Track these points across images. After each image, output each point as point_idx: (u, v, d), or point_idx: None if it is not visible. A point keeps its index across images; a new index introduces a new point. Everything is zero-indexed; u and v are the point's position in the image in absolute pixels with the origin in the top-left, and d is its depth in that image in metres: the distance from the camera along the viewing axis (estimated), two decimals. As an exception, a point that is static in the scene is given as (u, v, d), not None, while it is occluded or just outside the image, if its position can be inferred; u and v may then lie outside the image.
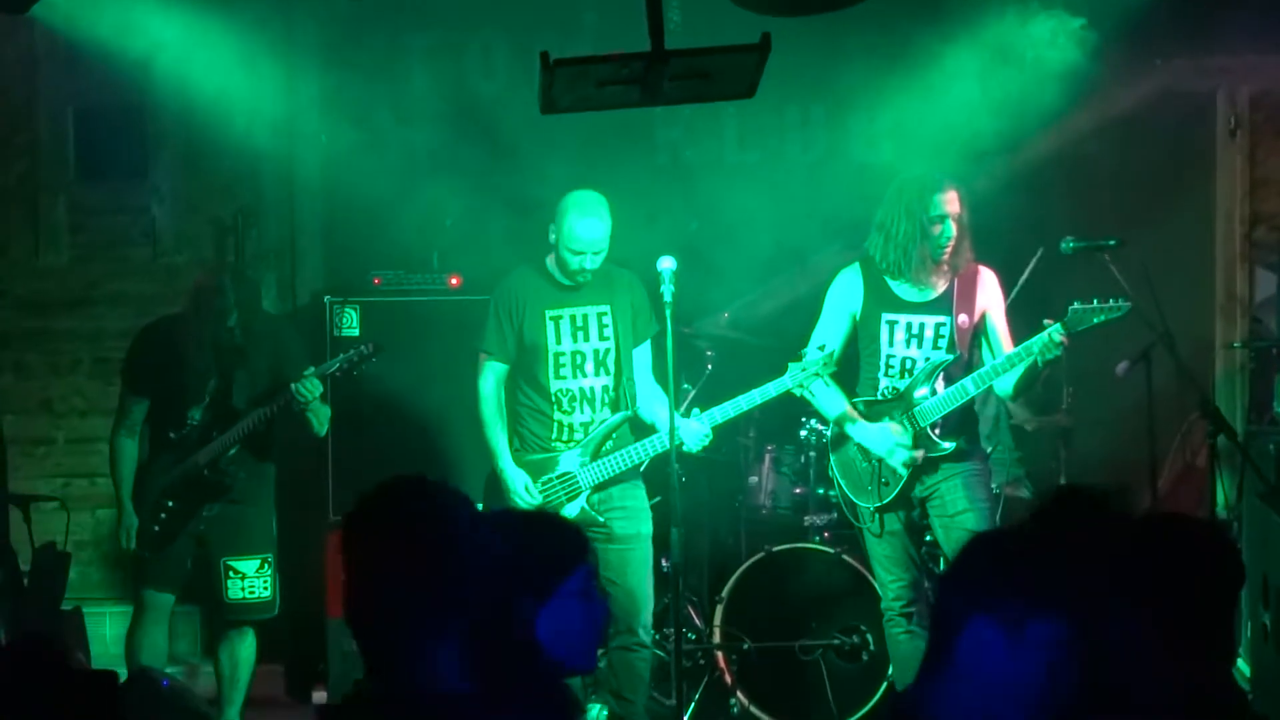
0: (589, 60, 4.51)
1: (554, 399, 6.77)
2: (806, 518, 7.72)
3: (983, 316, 6.63)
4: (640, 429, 6.82)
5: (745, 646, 7.40)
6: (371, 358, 6.91)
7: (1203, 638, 3.21)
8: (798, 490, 7.87)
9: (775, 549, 7.46)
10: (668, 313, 6.49)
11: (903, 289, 6.59)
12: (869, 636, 7.26)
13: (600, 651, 7.08)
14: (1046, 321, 6.35)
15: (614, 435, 6.76)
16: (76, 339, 8.70)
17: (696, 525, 7.89)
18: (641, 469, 6.81)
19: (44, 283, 8.69)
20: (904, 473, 6.49)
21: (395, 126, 8.32)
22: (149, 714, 6.07)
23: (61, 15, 7.75)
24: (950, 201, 6.46)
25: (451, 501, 3.17)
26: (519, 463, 6.77)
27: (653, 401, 6.83)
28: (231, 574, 6.94)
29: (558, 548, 3.47)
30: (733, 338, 7.96)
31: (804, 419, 7.73)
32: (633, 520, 6.75)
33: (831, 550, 7.43)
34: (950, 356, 6.54)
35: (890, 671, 6.94)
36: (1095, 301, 6.36)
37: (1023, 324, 6.61)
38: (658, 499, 6.97)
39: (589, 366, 6.78)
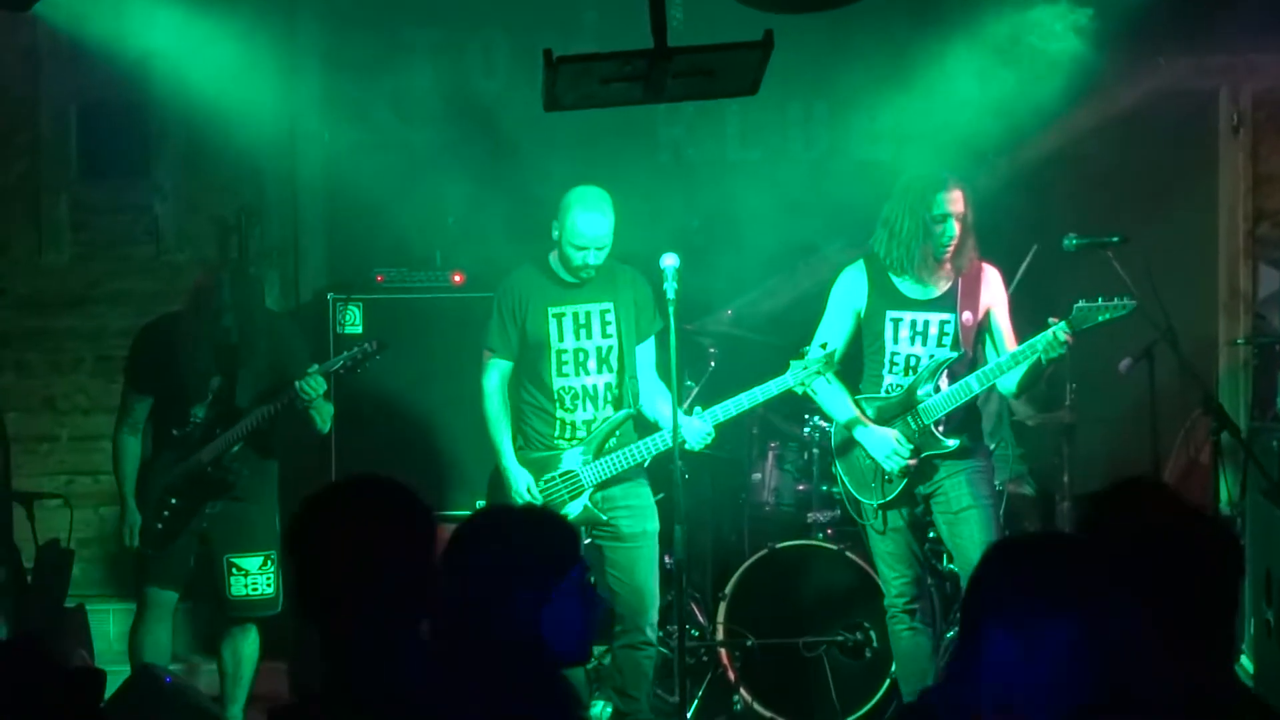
0: (592, 58, 4.52)
1: (557, 396, 6.77)
2: (810, 515, 7.72)
3: (987, 314, 6.64)
4: (644, 426, 6.82)
5: (748, 643, 7.40)
6: (375, 355, 6.91)
7: (1203, 636, 3.22)
8: (801, 487, 7.87)
9: (778, 546, 7.46)
10: (670, 310, 6.50)
11: (907, 286, 6.59)
12: (872, 633, 7.26)
13: (605, 649, 7.10)
14: (1051, 320, 6.35)
15: (617, 433, 6.76)
16: (79, 337, 8.70)
17: (700, 522, 7.90)
18: (645, 466, 6.81)
19: (46, 281, 8.69)
20: (900, 480, 6.50)
21: (398, 124, 8.32)
22: (152, 711, 6.07)
23: (64, 13, 7.75)
24: (954, 201, 6.46)
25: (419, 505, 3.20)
26: (522, 461, 6.77)
27: (656, 399, 6.83)
28: (234, 571, 6.95)
29: (554, 545, 3.47)
30: (735, 335, 7.96)
31: (807, 416, 7.73)
32: (638, 518, 6.75)
33: (835, 547, 7.43)
34: (954, 354, 6.54)
35: (893, 668, 6.94)
36: (1100, 300, 6.36)
37: (1025, 321, 6.61)
38: (661, 496, 6.97)
39: (592, 364, 6.78)
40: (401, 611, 3.07)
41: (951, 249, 6.49)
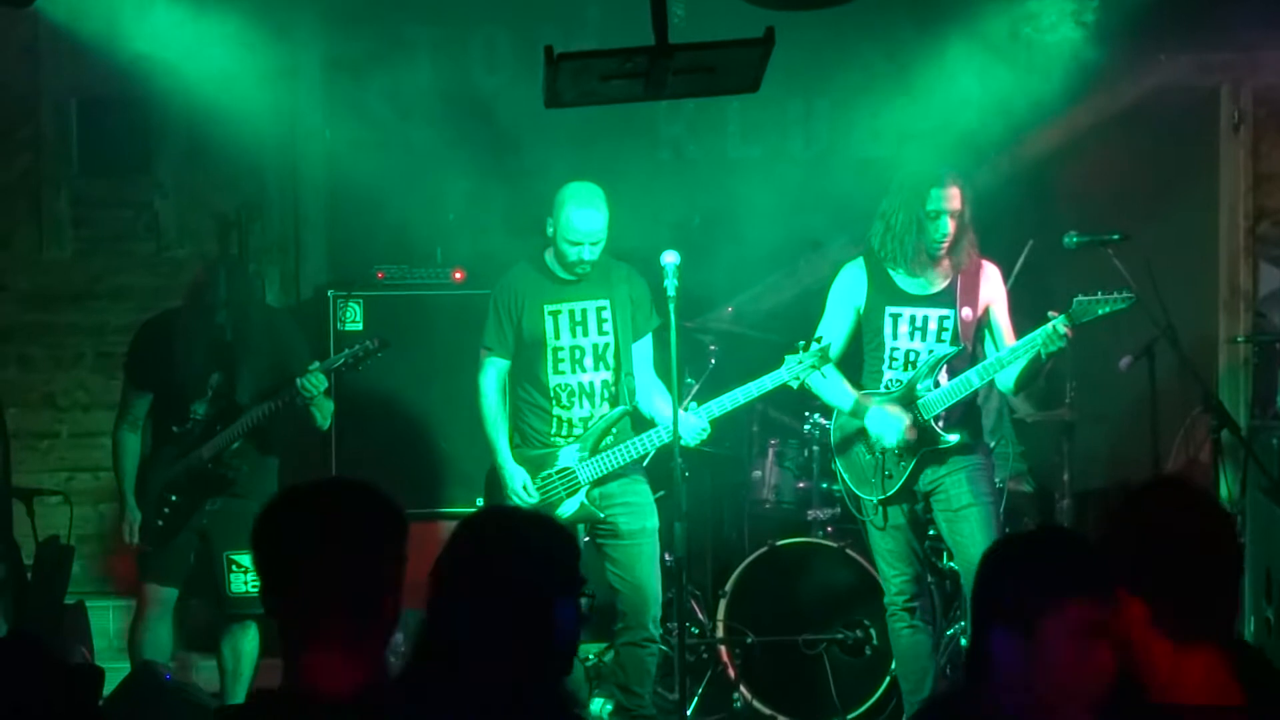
0: (593, 54, 4.52)
1: (553, 394, 6.76)
2: (810, 512, 7.72)
3: (986, 310, 6.64)
4: (641, 424, 6.82)
5: (749, 641, 7.40)
6: (377, 353, 6.91)
7: (1206, 629, 3.21)
8: (801, 485, 7.87)
9: (778, 543, 7.46)
10: (671, 307, 6.49)
11: (906, 281, 6.59)
12: (872, 631, 7.26)
13: (606, 646, 7.11)
14: (1051, 314, 6.35)
15: (614, 430, 6.76)
16: (79, 333, 8.70)
17: (700, 520, 7.90)
18: (644, 464, 6.81)
19: (47, 277, 8.68)
20: (900, 458, 6.49)
21: (399, 121, 8.30)
22: (152, 708, 6.08)
23: (65, 9, 7.74)
24: (950, 198, 6.45)
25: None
26: (519, 458, 6.77)
27: (652, 396, 6.83)
28: (234, 568, 6.94)
29: (569, 555, 3.45)
30: (736, 332, 7.96)
31: (808, 413, 7.73)
32: (637, 515, 6.75)
33: (835, 545, 7.43)
34: (954, 349, 6.54)
35: (893, 666, 6.94)
36: (1099, 294, 6.36)
37: (1025, 318, 6.61)
38: (661, 493, 6.97)
39: (588, 361, 6.78)
40: (365, 617, 3.05)
41: (945, 245, 6.49)
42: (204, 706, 6.30)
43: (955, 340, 6.56)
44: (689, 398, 7.16)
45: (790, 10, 5.41)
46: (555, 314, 6.77)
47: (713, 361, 7.80)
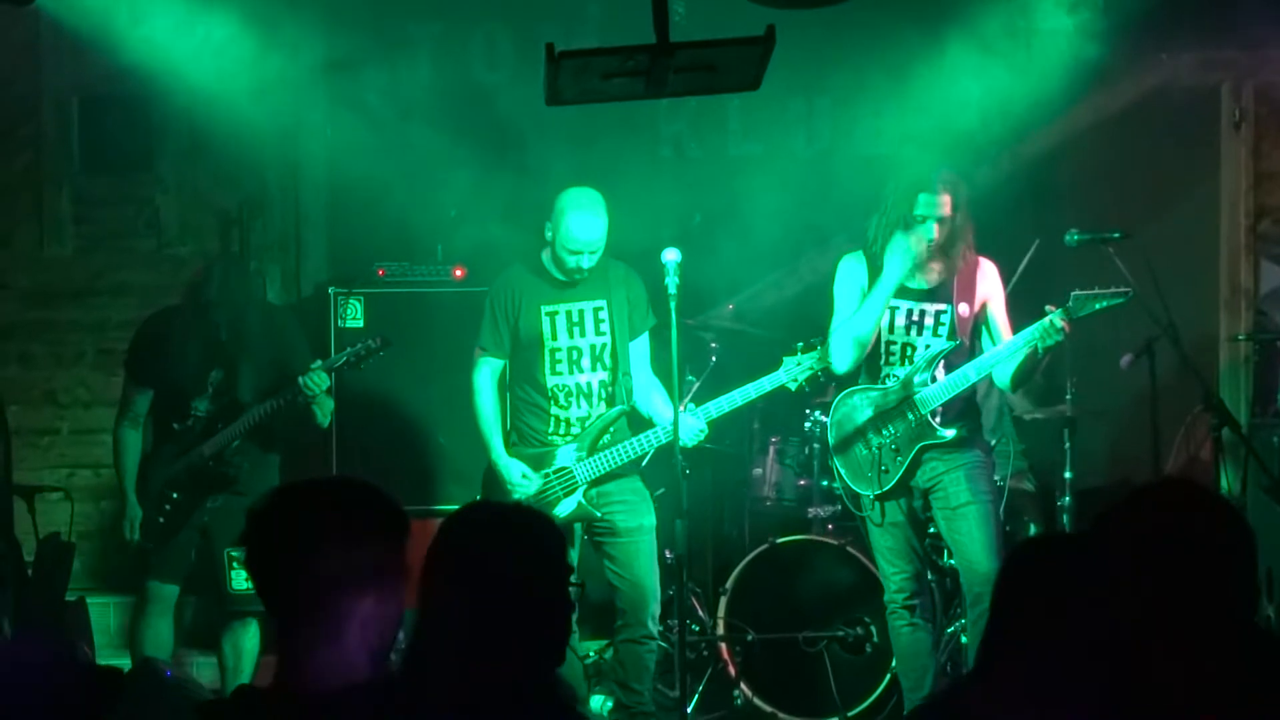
0: (594, 52, 4.51)
1: (550, 394, 6.76)
2: (810, 510, 7.72)
3: (983, 306, 6.64)
4: (639, 423, 6.82)
5: (749, 638, 7.40)
6: (379, 352, 6.91)
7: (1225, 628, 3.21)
8: (802, 482, 7.88)
9: (779, 541, 7.47)
10: (672, 305, 6.48)
11: (905, 276, 6.59)
12: (873, 628, 7.27)
13: (606, 643, 7.11)
14: (1048, 307, 6.35)
15: (611, 430, 6.76)
16: (81, 330, 8.70)
17: (700, 517, 7.90)
18: (643, 464, 6.81)
19: (48, 274, 8.69)
20: (897, 453, 6.48)
21: (400, 118, 8.30)
22: (153, 705, 6.08)
23: (66, 7, 7.74)
24: (938, 205, 6.45)
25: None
26: (516, 457, 6.76)
27: (650, 395, 6.83)
28: (235, 565, 6.95)
29: (555, 547, 3.45)
30: (737, 330, 7.97)
31: (808, 410, 7.73)
32: (634, 513, 6.75)
33: (835, 542, 7.44)
34: (951, 344, 6.54)
35: (894, 664, 6.94)
36: (1096, 288, 6.37)
37: (1026, 316, 6.61)
38: (661, 490, 6.97)
39: (586, 362, 6.78)
40: (359, 615, 3.05)
41: (929, 247, 6.49)
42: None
43: (952, 335, 6.56)
44: (689, 396, 7.17)
45: (791, 8, 5.40)
46: (552, 315, 6.77)
47: (714, 359, 7.81)
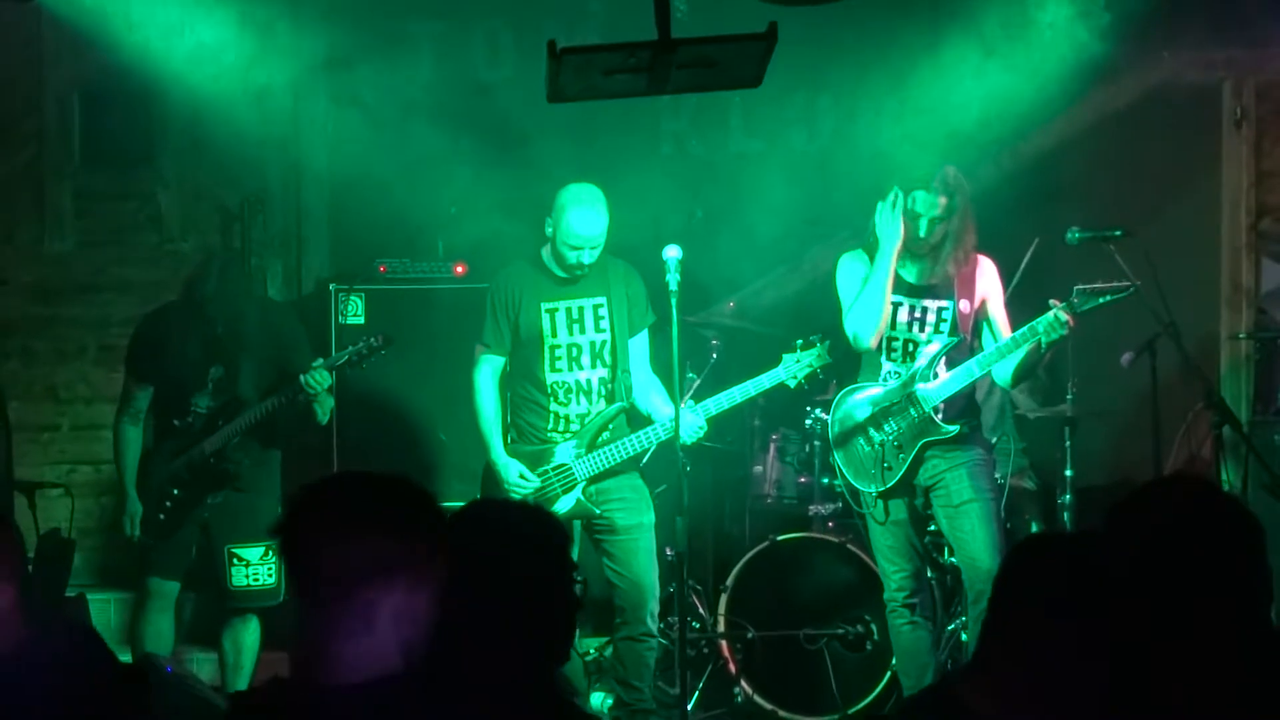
0: (596, 49, 4.52)
1: (550, 391, 6.76)
2: (811, 507, 7.73)
3: (983, 303, 6.64)
4: (638, 421, 6.82)
5: (749, 636, 7.40)
6: (380, 350, 6.90)
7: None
8: (802, 479, 7.88)
9: (779, 538, 7.46)
10: (673, 302, 6.48)
11: (905, 270, 6.59)
12: (873, 626, 7.26)
13: (605, 640, 7.10)
14: (1052, 302, 6.35)
15: (610, 427, 6.76)
16: (82, 326, 8.71)
17: (701, 514, 7.90)
18: (643, 461, 6.81)
19: (50, 269, 8.69)
20: (900, 450, 6.47)
21: (401, 114, 8.31)
22: (154, 700, 6.07)
23: (67, 2, 7.75)
24: (935, 205, 6.45)
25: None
26: (515, 454, 6.76)
27: (649, 392, 6.82)
28: (236, 561, 6.94)
29: (551, 543, 3.45)
30: (738, 326, 7.97)
31: (809, 408, 7.73)
32: (633, 510, 6.74)
33: (836, 540, 7.43)
34: (953, 339, 6.54)
35: (894, 662, 6.94)
36: (1099, 283, 6.37)
37: (1029, 313, 6.60)
38: (662, 488, 6.97)
39: (585, 358, 6.78)
40: (389, 607, 3.04)
41: (926, 246, 6.49)
42: (205, 699, 6.30)
43: (954, 331, 6.56)
44: (690, 393, 7.17)
45: (793, 5, 5.40)
46: (552, 311, 6.76)
47: (714, 356, 7.81)
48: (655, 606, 6.76)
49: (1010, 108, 7.91)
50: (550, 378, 6.76)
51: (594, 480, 6.72)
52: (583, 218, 6.60)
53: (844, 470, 6.70)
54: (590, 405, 6.78)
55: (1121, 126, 8.54)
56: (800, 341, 6.62)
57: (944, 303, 6.57)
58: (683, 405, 6.58)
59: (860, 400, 6.63)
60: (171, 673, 6.27)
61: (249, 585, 6.96)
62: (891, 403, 6.55)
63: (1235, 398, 8.52)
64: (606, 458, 6.69)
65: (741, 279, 8.37)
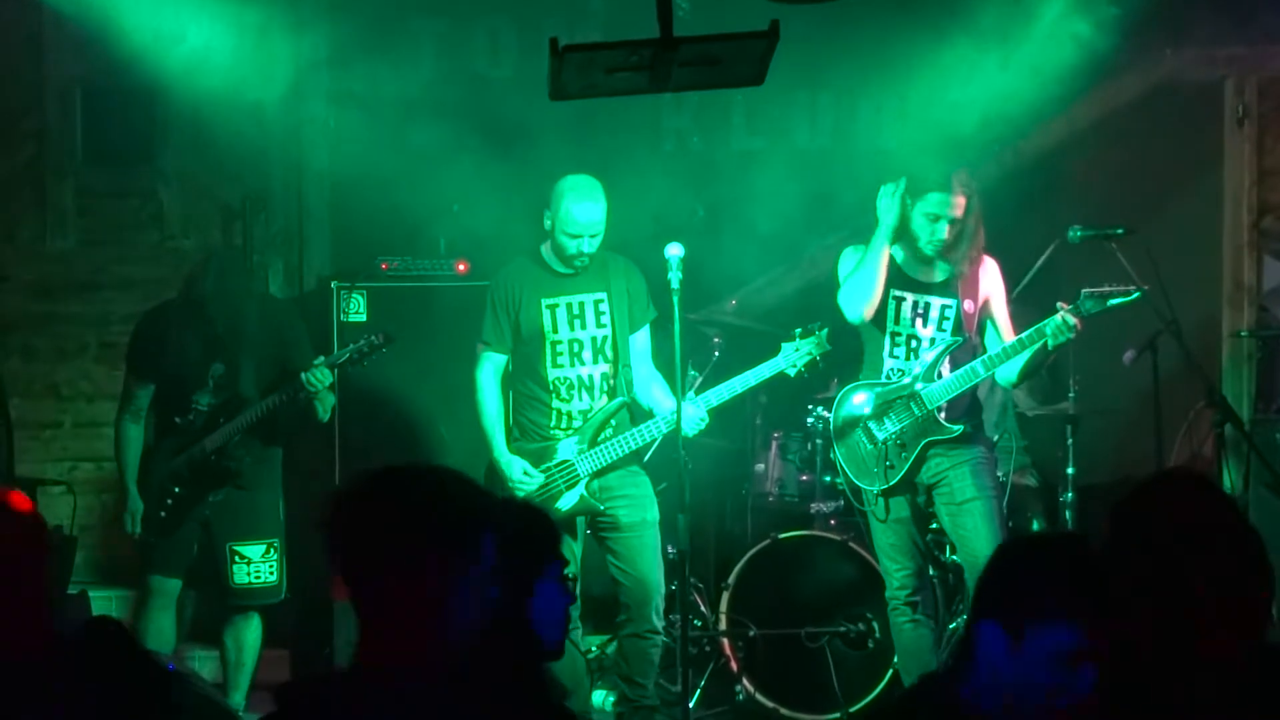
0: (598, 47, 4.51)
1: (552, 387, 6.76)
2: (813, 505, 7.73)
3: (985, 303, 6.64)
4: (639, 416, 6.81)
5: (751, 633, 7.40)
6: (382, 348, 6.90)
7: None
8: (804, 478, 7.88)
9: (781, 536, 7.46)
10: (675, 299, 6.48)
11: (910, 266, 6.58)
12: (875, 624, 7.26)
13: (609, 638, 7.10)
14: (1060, 304, 6.35)
15: (612, 422, 6.75)
16: (83, 323, 8.71)
17: (703, 512, 7.90)
18: (645, 457, 6.81)
19: (51, 267, 8.69)
20: (903, 448, 6.47)
21: (403, 112, 8.31)
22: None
23: (69, -1, 7.76)
24: (953, 206, 6.43)
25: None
26: (517, 451, 6.76)
27: (650, 388, 6.82)
28: (237, 559, 6.95)
29: (536, 537, 3.45)
30: (740, 324, 7.96)
31: (811, 406, 7.73)
32: (637, 507, 6.74)
33: (838, 538, 7.43)
34: (957, 339, 6.54)
35: (896, 660, 6.93)
36: (1106, 286, 6.37)
37: (1033, 312, 6.60)
38: (664, 485, 6.97)
39: (587, 354, 6.77)
40: (427, 599, 3.05)
41: (940, 249, 6.48)
42: (207, 696, 6.29)
43: (957, 330, 6.55)
44: (693, 390, 7.16)
45: (795, 3, 5.40)
46: (553, 307, 6.76)
47: (716, 354, 7.80)
48: (659, 603, 6.76)
49: (1012, 105, 7.90)
50: (552, 373, 6.75)
51: (597, 476, 6.71)
52: (580, 205, 6.60)
53: (846, 468, 6.70)
54: (592, 401, 6.77)
55: (1123, 124, 8.54)
56: (799, 330, 6.62)
57: (949, 301, 6.57)
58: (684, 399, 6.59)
59: (863, 398, 6.63)
60: (173, 670, 6.27)
61: (250, 583, 6.96)
62: (894, 401, 6.54)
63: (1237, 396, 8.52)
64: (609, 453, 6.69)
65: (743, 276, 8.37)
